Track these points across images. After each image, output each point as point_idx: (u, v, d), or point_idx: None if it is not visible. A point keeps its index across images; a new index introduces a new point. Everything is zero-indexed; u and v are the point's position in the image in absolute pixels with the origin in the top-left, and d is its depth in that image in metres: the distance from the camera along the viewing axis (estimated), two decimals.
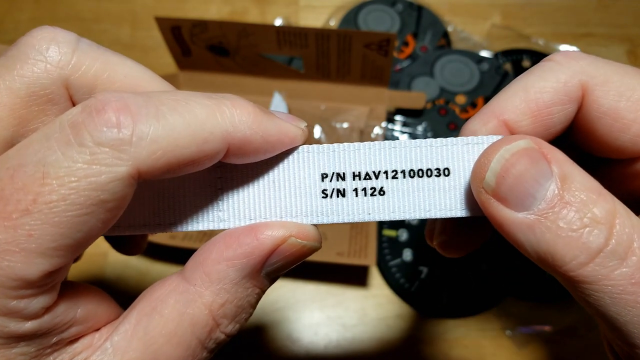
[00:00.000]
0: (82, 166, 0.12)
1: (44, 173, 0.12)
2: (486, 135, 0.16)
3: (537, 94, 0.16)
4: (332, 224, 0.16)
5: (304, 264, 0.36)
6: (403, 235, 0.40)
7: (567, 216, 0.13)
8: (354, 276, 0.39)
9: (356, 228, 0.37)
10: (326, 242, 0.37)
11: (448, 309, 0.37)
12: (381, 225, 0.40)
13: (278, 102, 0.43)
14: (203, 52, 0.41)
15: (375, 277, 0.39)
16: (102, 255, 0.39)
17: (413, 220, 0.40)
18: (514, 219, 0.14)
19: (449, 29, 0.49)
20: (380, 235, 0.40)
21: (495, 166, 0.14)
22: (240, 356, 0.36)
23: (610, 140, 0.16)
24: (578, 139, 0.18)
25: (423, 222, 0.40)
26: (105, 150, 0.12)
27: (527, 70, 0.17)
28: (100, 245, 0.39)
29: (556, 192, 0.14)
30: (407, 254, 0.39)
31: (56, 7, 0.51)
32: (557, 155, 0.14)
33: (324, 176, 0.16)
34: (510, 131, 0.16)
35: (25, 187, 0.12)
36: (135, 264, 0.39)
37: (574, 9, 0.50)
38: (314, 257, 0.35)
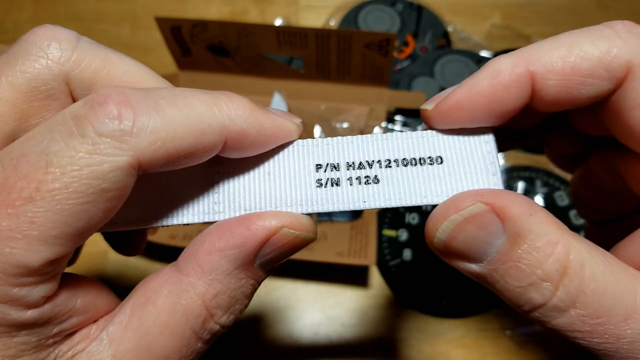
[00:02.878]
0: (84, 155, 0.12)
1: (47, 162, 0.12)
2: (510, 76, 0.15)
3: (578, 58, 0.15)
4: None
5: (304, 264, 0.36)
6: (403, 235, 0.40)
7: (514, 273, 0.14)
8: (354, 276, 0.39)
9: (356, 228, 0.37)
10: (326, 242, 0.37)
11: (448, 309, 0.37)
12: (381, 225, 0.40)
13: (278, 102, 0.43)
14: (203, 52, 0.41)
15: (375, 277, 0.39)
16: (102, 254, 0.39)
17: (413, 220, 0.40)
18: (469, 269, 0.15)
19: (449, 29, 0.49)
20: (380, 235, 0.40)
21: (445, 229, 0.15)
22: (240, 356, 0.36)
23: (637, 133, 0.15)
24: (601, 116, 0.17)
25: (423, 222, 0.40)
26: (106, 141, 0.12)
27: (582, 29, 0.16)
28: (101, 244, 0.39)
29: (505, 250, 0.14)
30: (407, 254, 0.39)
31: (56, 7, 0.51)
32: (513, 211, 0.14)
33: (318, 167, 0.16)
34: (533, 85, 0.15)
35: (29, 176, 0.12)
36: (135, 264, 0.39)
37: (574, 9, 0.50)
38: (314, 257, 0.35)
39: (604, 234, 0.22)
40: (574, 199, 0.22)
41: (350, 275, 0.39)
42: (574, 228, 0.39)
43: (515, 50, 0.16)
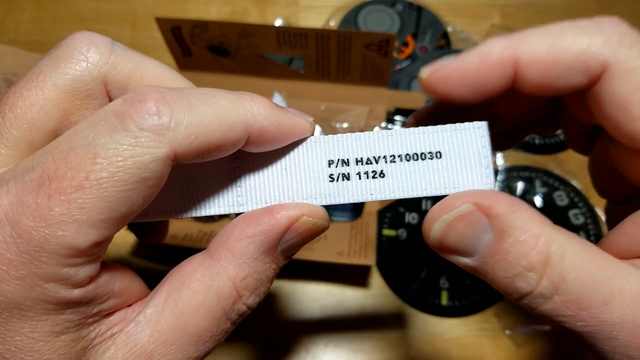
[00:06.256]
0: (128, 148, 0.14)
1: (94, 154, 0.13)
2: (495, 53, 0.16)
3: (559, 51, 0.16)
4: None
5: (304, 264, 0.36)
6: (403, 235, 0.40)
7: (502, 265, 0.15)
8: (354, 276, 0.39)
9: (356, 228, 0.37)
10: (326, 242, 0.37)
11: (448, 309, 0.37)
12: (381, 225, 0.40)
13: (278, 102, 0.43)
14: (203, 53, 0.42)
15: (375, 277, 0.39)
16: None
17: (413, 220, 0.40)
18: (462, 262, 0.16)
19: (449, 29, 0.49)
20: (380, 235, 0.40)
21: (439, 227, 0.16)
22: (240, 355, 0.36)
23: (615, 125, 0.16)
24: (588, 105, 0.17)
25: (422, 221, 0.40)
26: (147, 135, 0.14)
27: (573, 22, 0.17)
28: None
29: (493, 245, 0.15)
30: (407, 254, 0.39)
31: (56, 7, 0.51)
32: (498, 209, 0.15)
33: (330, 162, 0.18)
34: (516, 71, 0.16)
35: (78, 166, 0.13)
36: (136, 264, 0.39)
37: (573, 9, 0.51)
38: (314, 257, 0.35)
39: (623, 212, 0.22)
40: (591, 180, 0.23)
41: (350, 275, 0.39)
42: (574, 228, 0.39)
43: (511, 35, 0.17)
